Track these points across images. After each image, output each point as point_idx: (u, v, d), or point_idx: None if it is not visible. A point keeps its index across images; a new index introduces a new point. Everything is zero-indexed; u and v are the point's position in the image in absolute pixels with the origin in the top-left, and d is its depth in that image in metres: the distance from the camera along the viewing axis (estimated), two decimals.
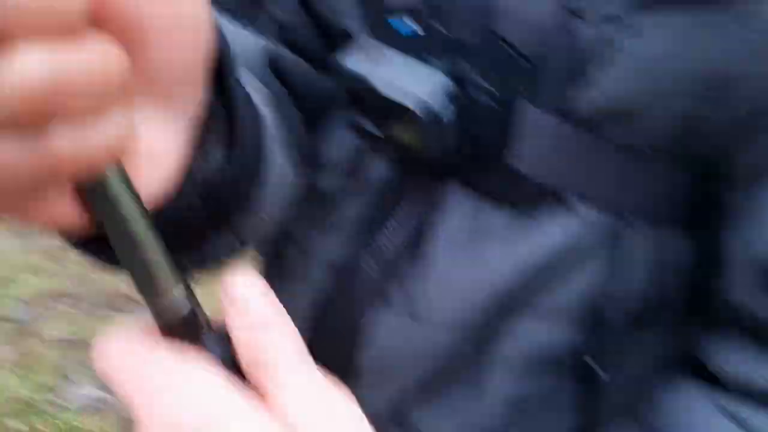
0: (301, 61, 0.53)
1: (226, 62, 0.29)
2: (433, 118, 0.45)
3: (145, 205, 0.23)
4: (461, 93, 0.46)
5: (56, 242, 0.30)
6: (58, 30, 0.18)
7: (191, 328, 0.23)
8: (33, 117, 0.19)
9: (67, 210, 0.22)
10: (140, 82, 0.23)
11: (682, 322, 0.53)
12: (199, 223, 0.30)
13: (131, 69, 0.21)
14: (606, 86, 0.45)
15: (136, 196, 0.22)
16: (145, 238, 0.22)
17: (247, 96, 0.32)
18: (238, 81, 0.30)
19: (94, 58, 0.19)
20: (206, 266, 0.35)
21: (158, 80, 0.24)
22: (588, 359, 0.50)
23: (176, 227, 0.28)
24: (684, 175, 0.49)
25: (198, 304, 0.23)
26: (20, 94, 0.18)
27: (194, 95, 0.26)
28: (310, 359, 0.22)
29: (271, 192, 0.36)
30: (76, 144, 0.20)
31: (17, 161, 0.19)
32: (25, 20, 0.18)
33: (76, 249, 0.30)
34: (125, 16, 0.21)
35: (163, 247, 0.22)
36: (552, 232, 0.48)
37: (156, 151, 0.25)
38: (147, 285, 0.22)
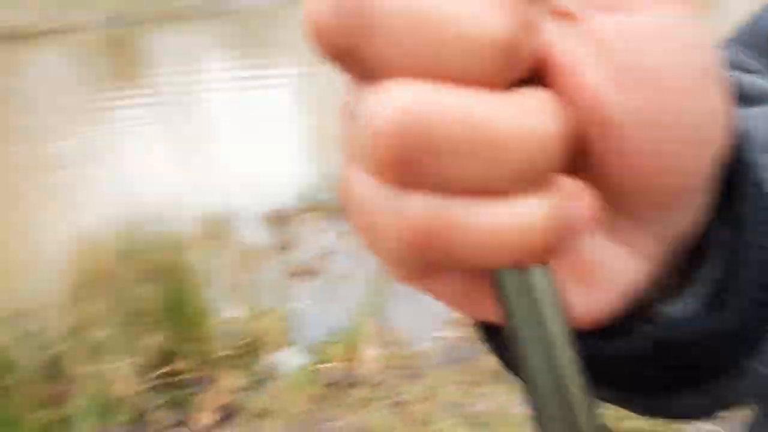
0: None
1: (746, 171, 0.21)
2: None
3: (568, 327, 0.18)
4: None
5: None
6: (461, 71, 0.14)
7: None
8: (397, 168, 0.15)
9: (463, 290, 0.18)
10: (599, 180, 0.18)
11: None
12: (647, 371, 0.23)
13: (586, 160, 0.17)
14: None
15: (561, 313, 0.18)
16: (558, 359, 0.17)
17: None
18: (758, 197, 0.21)
19: (505, 115, 0.15)
20: (653, 416, 0.27)
21: (627, 185, 0.18)
22: None
23: (613, 367, 0.22)
24: None
25: None
26: (382, 137, 0.14)
27: (680, 214, 0.19)
28: None
29: None
30: (458, 219, 0.16)
31: (382, 217, 0.16)
32: (412, 53, 0.14)
33: (479, 334, 0.24)
34: (579, 87, 0.16)
35: (581, 379, 0.18)
36: None
37: (600, 267, 0.19)
38: (549, 418, 0.18)
